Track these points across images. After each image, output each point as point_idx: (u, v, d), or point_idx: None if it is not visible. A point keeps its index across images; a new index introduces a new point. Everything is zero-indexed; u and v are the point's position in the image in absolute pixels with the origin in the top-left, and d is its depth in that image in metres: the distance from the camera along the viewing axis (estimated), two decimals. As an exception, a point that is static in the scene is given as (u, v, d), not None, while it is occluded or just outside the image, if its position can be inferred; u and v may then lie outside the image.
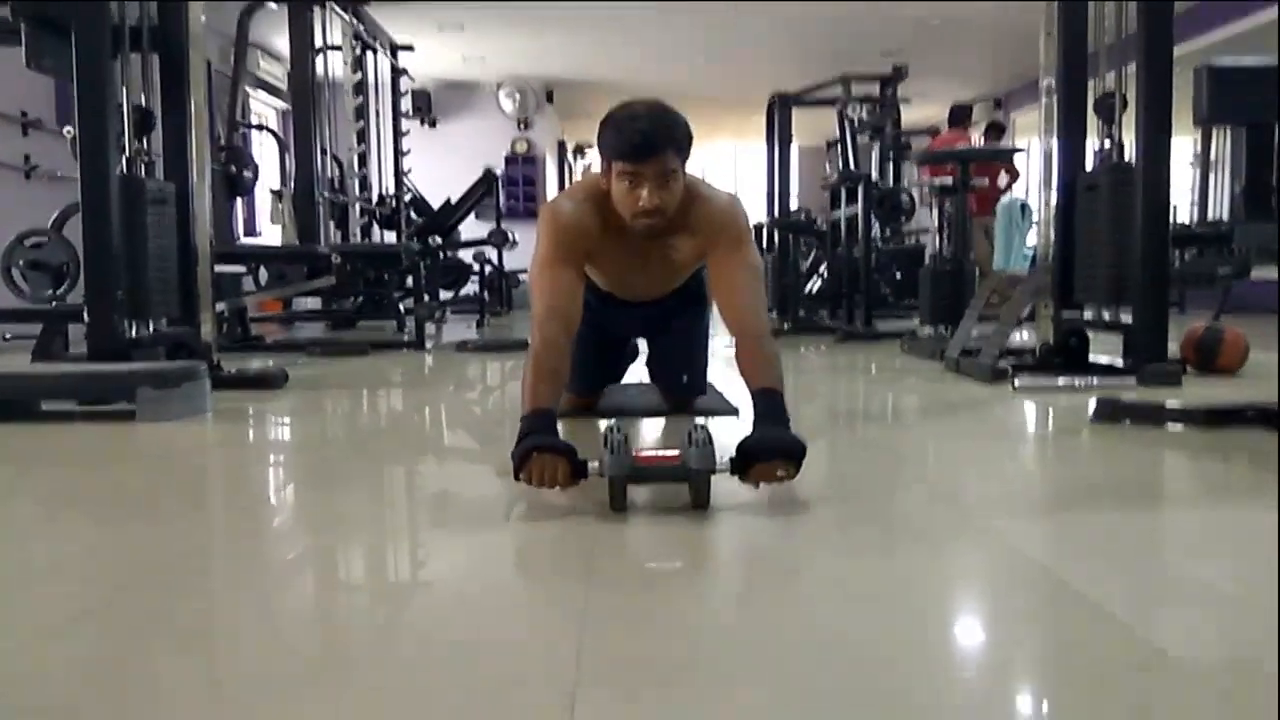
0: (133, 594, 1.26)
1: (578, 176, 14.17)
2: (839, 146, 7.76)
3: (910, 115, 8.38)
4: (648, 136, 1.86)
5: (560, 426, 1.81)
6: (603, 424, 1.81)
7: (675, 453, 1.59)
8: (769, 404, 1.77)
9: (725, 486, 1.61)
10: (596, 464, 1.57)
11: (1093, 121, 3.59)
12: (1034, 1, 3.74)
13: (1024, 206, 6.77)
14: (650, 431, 2.49)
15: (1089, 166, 3.57)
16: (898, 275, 7.60)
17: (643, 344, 2.86)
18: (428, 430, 2.93)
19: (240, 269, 5.67)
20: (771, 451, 1.62)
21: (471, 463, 2.37)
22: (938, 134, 8.71)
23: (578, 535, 1.49)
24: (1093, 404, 2.55)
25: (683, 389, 2.72)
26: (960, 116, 8.31)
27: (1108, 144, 3.49)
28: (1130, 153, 3.34)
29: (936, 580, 1.32)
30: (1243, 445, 2.18)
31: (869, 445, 2.46)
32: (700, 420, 1.81)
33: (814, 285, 7.29)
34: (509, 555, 1.49)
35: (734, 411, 2.73)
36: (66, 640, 1.09)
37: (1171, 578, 1.31)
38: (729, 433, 1.90)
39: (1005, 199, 6.86)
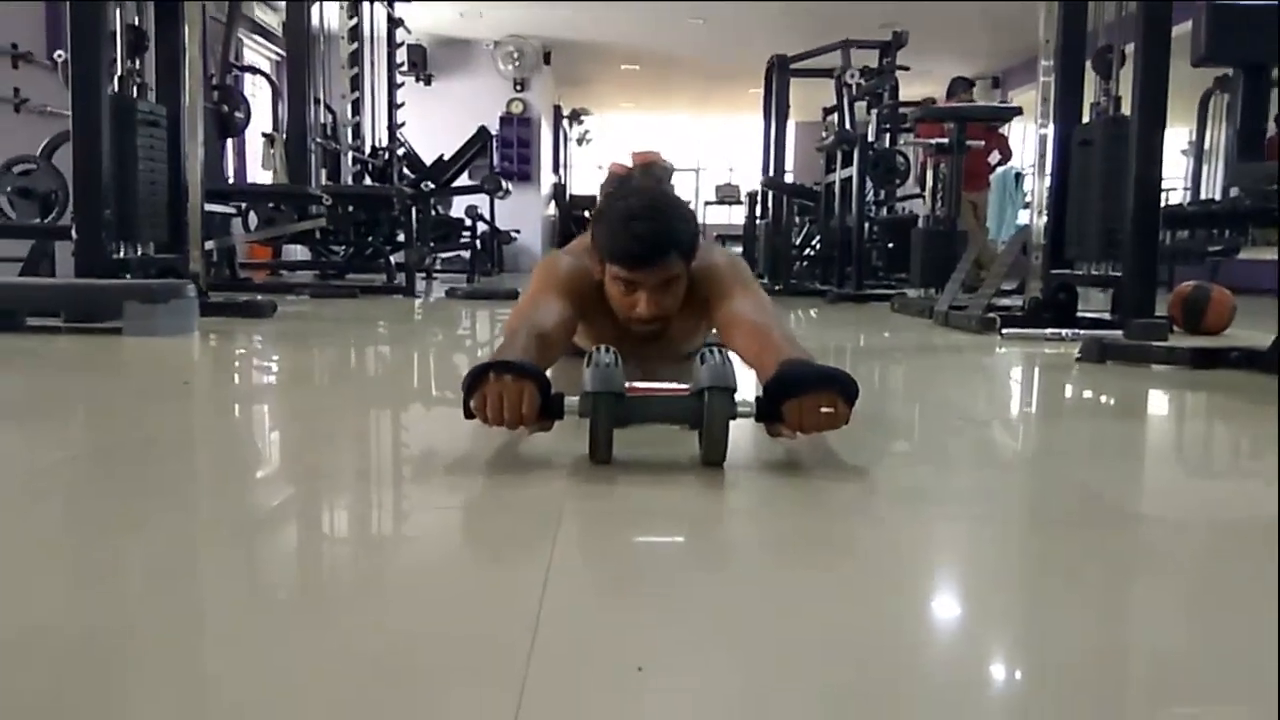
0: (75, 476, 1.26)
1: (573, 143, 14.08)
2: (835, 115, 7.74)
3: (907, 91, 8.34)
4: (646, 244, 1.60)
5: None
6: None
7: (683, 386, 1.26)
8: (801, 360, 1.34)
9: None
10: (576, 400, 1.20)
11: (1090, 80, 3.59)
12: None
13: (1018, 176, 6.76)
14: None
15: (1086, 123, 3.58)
16: (890, 246, 7.63)
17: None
18: (404, 365, 2.89)
19: (230, 210, 5.62)
20: (818, 381, 1.23)
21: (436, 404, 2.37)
22: (934, 104, 8.70)
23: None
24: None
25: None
26: (959, 88, 8.29)
27: (1104, 99, 3.49)
28: (1127, 108, 3.35)
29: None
30: (1226, 382, 2.20)
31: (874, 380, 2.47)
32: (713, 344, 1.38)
33: (806, 253, 7.29)
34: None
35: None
36: None
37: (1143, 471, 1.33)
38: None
39: (1000, 168, 6.84)
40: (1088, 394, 2.16)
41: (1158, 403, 2.14)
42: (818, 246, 7.35)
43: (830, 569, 0.90)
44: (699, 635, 0.71)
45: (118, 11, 3.35)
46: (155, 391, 1.98)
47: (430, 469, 1.26)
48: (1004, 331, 3.18)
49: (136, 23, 3.45)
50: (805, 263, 7.00)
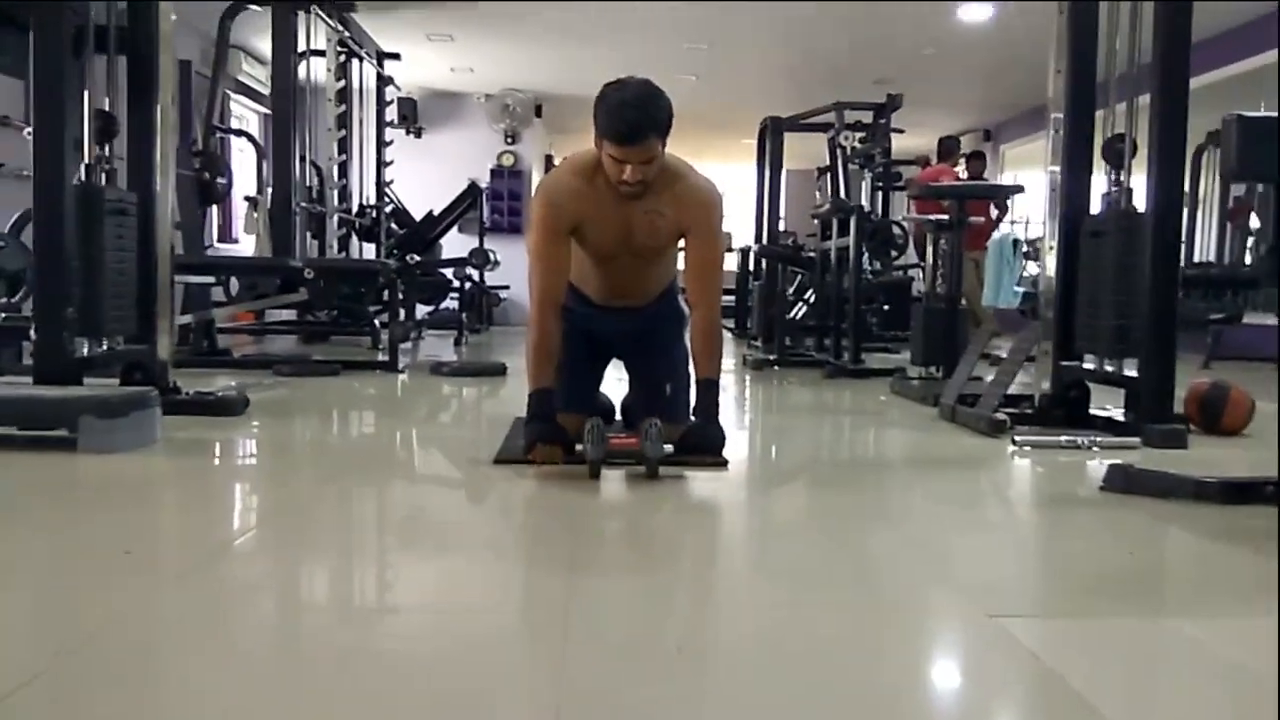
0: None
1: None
2: (829, 175, 7.65)
3: (899, 143, 8.28)
4: (633, 125, 2.24)
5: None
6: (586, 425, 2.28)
7: (634, 440, 2.28)
8: (705, 398, 2.48)
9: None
10: (582, 447, 2.25)
11: (1098, 164, 3.47)
12: (1031, 31, 3.60)
13: (1015, 242, 6.67)
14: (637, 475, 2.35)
15: (1093, 210, 3.45)
16: (885, 306, 7.50)
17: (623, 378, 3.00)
18: (391, 482, 2.72)
19: (208, 280, 5.46)
20: (699, 448, 2.42)
21: (432, 521, 2.19)
22: (927, 163, 8.63)
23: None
24: (1099, 469, 2.40)
25: (665, 405, 2.63)
26: (949, 149, 8.24)
27: (1114, 189, 3.36)
28: (1138, 198, 3.22)
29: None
30: (1257, 530, 2.03)
31: (856, 501, 2.29)
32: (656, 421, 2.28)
33: (799, 311, 7.15)
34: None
35: (724, 464, 2.57)
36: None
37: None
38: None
39: (996, 234, 6.75)
40: (1119, 554, 2.00)
41: (1190, 572, 1.98)
42: (810, 302, 7.21)
43: None
44: None
45: (85, 96, 3.20)
46: (83, 564, 1.74)
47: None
48: (1017, 439, 3.02)
49: (107, 107, 3.30)
50: (795, 326, 6.85)
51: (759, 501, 2.41)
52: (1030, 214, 9.53)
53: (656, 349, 2.76)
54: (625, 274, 2.61)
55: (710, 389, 2.45)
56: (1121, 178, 3.33)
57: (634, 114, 2.23)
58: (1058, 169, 3.49)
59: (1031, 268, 7.12)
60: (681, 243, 2.55)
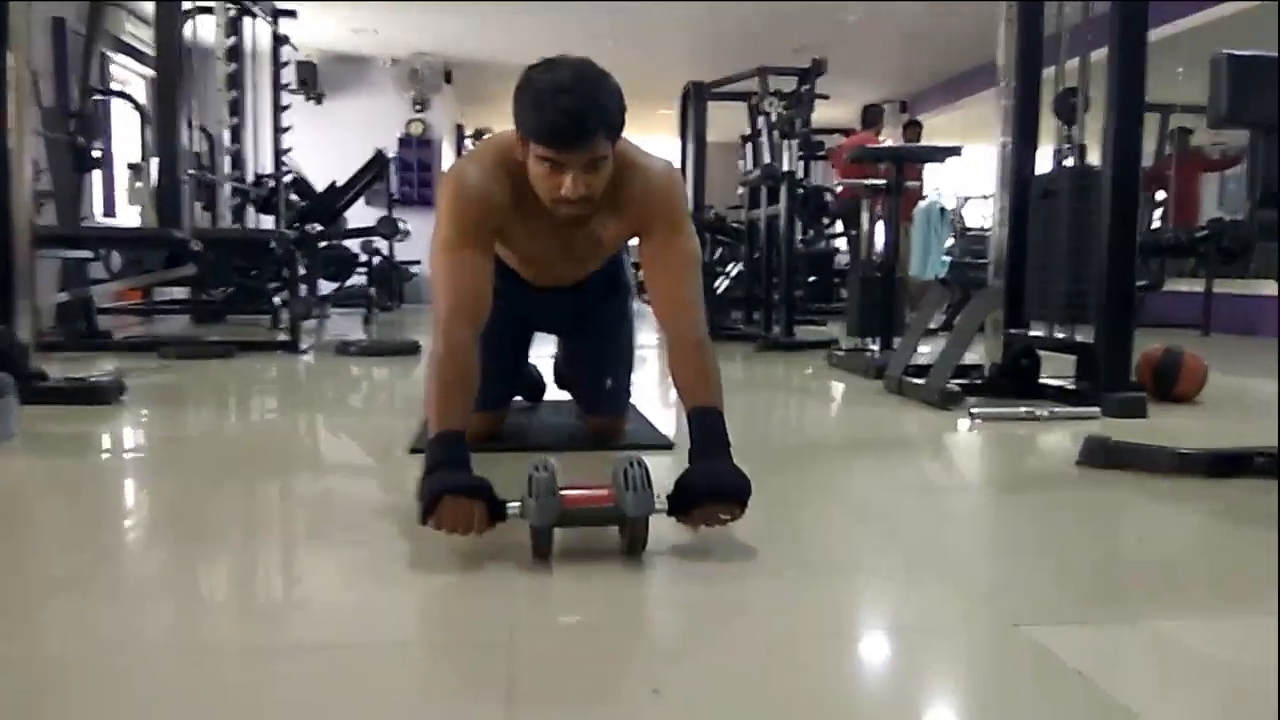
0: None
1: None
2: (751, 144, 7.43)
3: (818, 114, 8.13)
4: (575, 120, 1.51)
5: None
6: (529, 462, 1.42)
7: (606, 491, 1.41)
8: (709, 429, 1.58)
9: (659, 525, 1.44)
10: (518, 505, 1.39)
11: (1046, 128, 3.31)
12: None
13: (942, 210, 6.55)
14: (574, 461, 2.01)
15: (1040, 171, 3.29)
16: (811, 279, 7.35)
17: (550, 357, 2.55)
18: (290, 483, 2.22)
19: (86, 254, 4.96)
20: (715, 491, 1.47)
21: (339, 521, 1.87)
22: (849, 133, 8.50)
23: (496, 591, 1.32)
24: (1064, 442, 2.22)
25: (604, 400, 2.32)
26: (873, 117, 8.18)
27: (1066, 146, 3.20)
28: (1092, 156, 3.07)
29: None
30: (1258, 508, 1.87)
31: (821, 493, 2.06)
32: (631, 455, 1.45)
33: (722, 285, 6.94)
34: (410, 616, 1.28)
35: (668, 445, 2.31)
36: None
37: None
38: (662, 467, 1.78)
39: (923, 202, 6.62)
40: (1129, 543, 1.81)
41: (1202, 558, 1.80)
42: (732, 275, 7.00)
43: None
44: None
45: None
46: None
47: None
48: (973, 411, 2.83)
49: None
50: (720, 299, 6.64)
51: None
52: (947, 186, 9.50)
53: (595, 329, 2.31)
54: (559, 267, 2.05)
55: (715, 420, 1.59)
56: (1074, 134, 3.18)
57: (573, 103, 1.49)
58: (1007, 130, 3.31)
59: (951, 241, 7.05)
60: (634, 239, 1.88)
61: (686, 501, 1.45)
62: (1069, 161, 3.19)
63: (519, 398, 2.63)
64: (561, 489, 1.37)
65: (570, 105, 1.49)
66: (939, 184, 8.67)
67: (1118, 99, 2.88)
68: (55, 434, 2.50)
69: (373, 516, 1.73)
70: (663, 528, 1.46)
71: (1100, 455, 2.16)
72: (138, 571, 1.46)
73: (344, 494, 2.01)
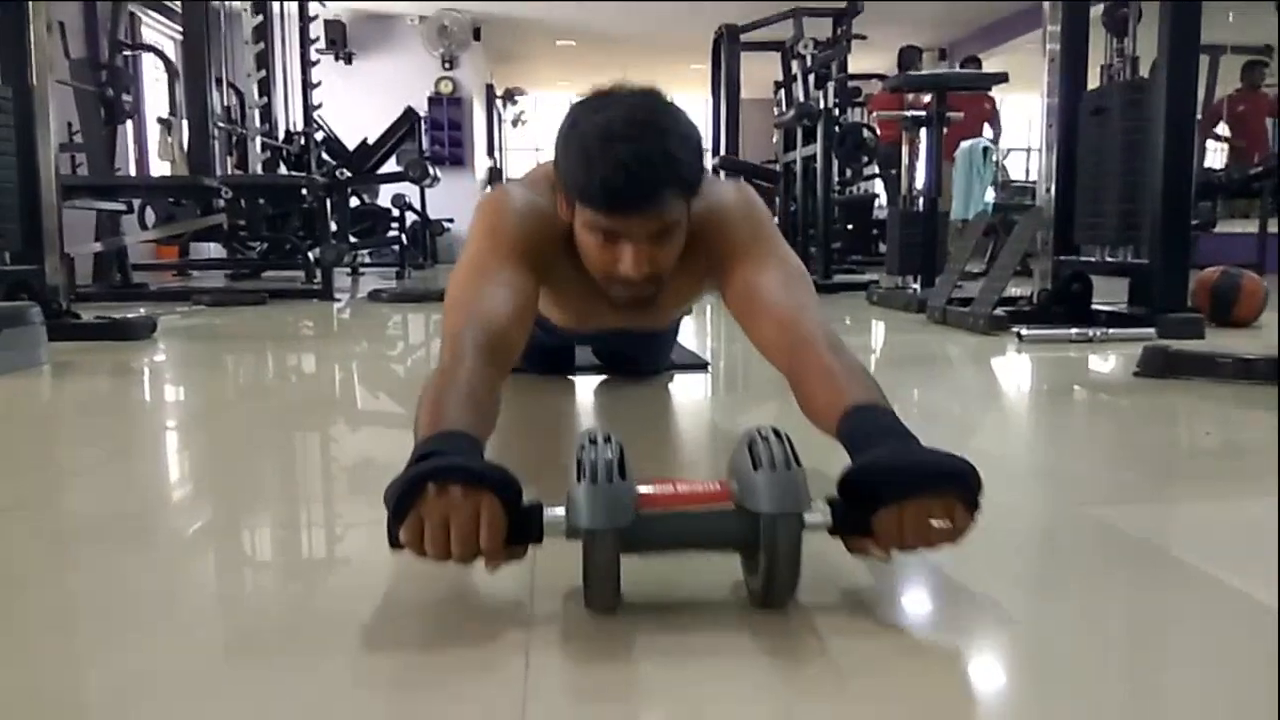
0: None
1: (508, 125, 13.42)
2: (785, 91, 7.28)
3: (854, 62, 7.93)
4: (635, 178, 1.07)
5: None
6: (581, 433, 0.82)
7: (717, 487, 0.80)
8: (882, 426, 0.89)
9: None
10: (560, 513, 0.77)
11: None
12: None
13: (985, 149, 6.36)
14: (641, 430, 1.65)
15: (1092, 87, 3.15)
16: (848, 227, 7.19)
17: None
18: (312, 418, 2.04)
19: (119, 206, 4.95)
20: (917, 479, 0.79)
21: (349, 492, 1.82)
22: (885, 80, 8.31)
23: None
24: (1120, 360, 2.11)
25: (645, 352, 2.08)
26: (909, 60, 7.96)
27: (1117, 61, 3.06)
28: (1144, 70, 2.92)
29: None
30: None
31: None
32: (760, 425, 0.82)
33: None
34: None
35: (703, 365, 2.23)
36: None
37: None
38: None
39: (965, 143, 6.43)
40: (1197, 436, 1.71)
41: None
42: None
43: None
44: None
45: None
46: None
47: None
48: (1023, 333, 2.72)
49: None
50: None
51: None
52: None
53: (639, 341, 1.95)
54: (609, 322, 1.48)
55: (890, 418, 0.90)
56: (1125, 46, 3.03)
57: (632, 154, 1.07)
58: (1055, 36, 3.15)
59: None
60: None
61: (869, 502, 0.79)
62: (1120, 77, 3.05)
63: None
64: (640, 486, 0.78)
65: (629, 158, 1.06)
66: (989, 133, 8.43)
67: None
68: (82, 363, 2.48)
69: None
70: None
71: (1160, 363, 2.05)
72: (150, 468, 1.42)
73: (375, 441, 1.96)
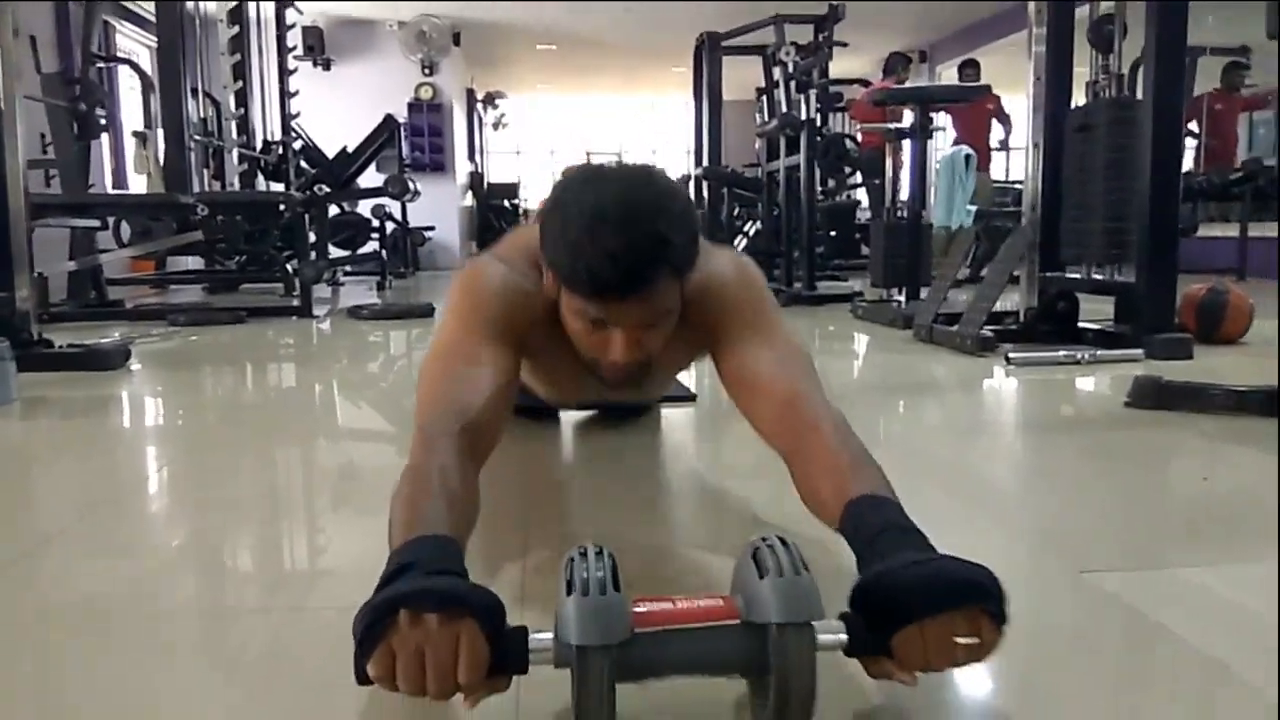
0: None
1: (489, 129, 13.34)
2: (767, 97, 7.25)
3: (835, 66, 7.91)
4: (626, 267, 1.01)
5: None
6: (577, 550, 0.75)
7: (719, 602, 0.74)
8: (891, 522, 0.85)
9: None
10: (548, 637, 0.71)
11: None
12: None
13: (968, 157, 6.34)
14: (632, 476, 1.64)
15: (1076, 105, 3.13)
16: (831, 234, 7.17)
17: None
18: (290, 456, 2.06)
19: (92, 223, 4.87)
20: (946, 593, 0.73)
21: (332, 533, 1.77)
22: (868, 85, 8.28)
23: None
24: (1109, 385, 2.09)
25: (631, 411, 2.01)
26: (894, 65, 7.94)
27: (1103, 77, 3.04)
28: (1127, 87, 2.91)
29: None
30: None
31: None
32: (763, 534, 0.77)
33: (741, 245, 6.81)
34: None
35: (690, 397, 2.20)
36: None
37: None
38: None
39: (947, 151, 6.41)
40: (1195, 478, 1.69)
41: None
42: (749, 234, 6.85)
43: None
44: None
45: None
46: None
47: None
48: (1010, 356, 2.70)
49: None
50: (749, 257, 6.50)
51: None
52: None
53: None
54: (595, 396, 1.49)
55: (897, 512, 0.87)
56: (1111, 63, 3.01)
57: (623, 242, 1.00)
58: (1041, 53, 3.14)
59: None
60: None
61: (886, 620, 0.73)
62: (1105, 94, 3.03)
63: None
64: (635, 603, 0.72)
65: (618, 247, 1.00)
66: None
67: (1159, 19, 2.71)
68: (55, 398, 2.42)
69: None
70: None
71: (1151, 395, 2.03)
72: (131, 527, 1.37)
73: (360, 460, 1.91)
